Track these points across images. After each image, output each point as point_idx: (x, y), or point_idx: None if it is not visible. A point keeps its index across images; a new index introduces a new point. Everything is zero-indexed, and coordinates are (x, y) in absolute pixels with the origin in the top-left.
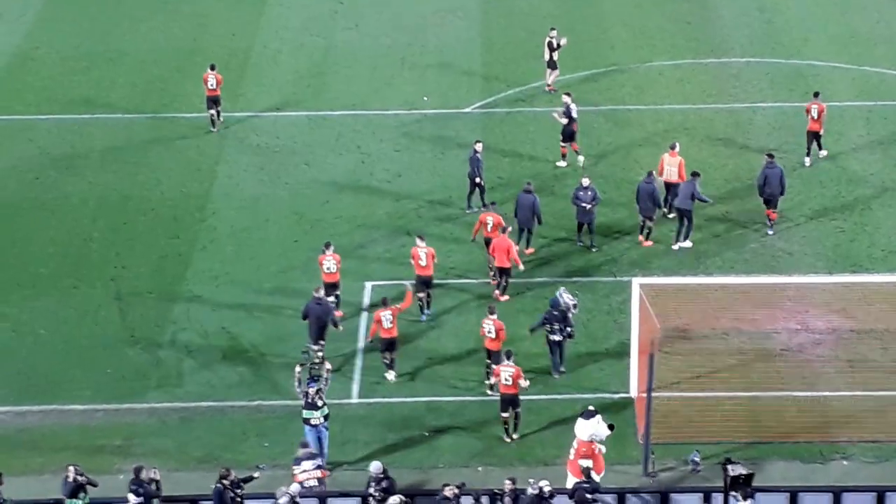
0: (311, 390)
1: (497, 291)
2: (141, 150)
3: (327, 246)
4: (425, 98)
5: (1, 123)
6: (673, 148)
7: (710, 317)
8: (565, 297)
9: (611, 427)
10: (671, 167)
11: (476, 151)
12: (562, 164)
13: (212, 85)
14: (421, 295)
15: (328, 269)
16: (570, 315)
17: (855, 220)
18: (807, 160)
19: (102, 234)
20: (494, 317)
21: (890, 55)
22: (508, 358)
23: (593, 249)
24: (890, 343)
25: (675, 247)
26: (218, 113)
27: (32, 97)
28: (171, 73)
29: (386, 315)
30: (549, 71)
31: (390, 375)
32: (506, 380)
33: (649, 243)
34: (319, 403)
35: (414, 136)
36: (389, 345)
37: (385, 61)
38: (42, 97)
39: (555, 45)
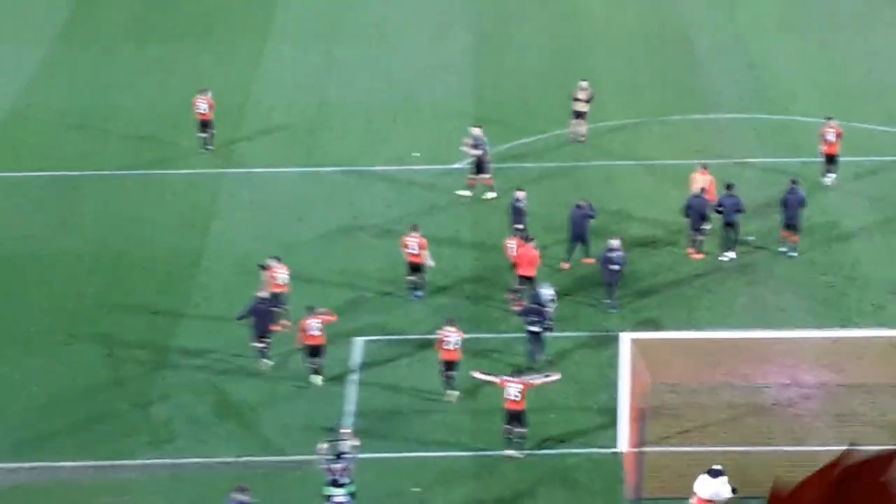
0: (337, 466)
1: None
2: (135, 206)
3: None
4: (416, 154)
5: None
6: (704, 168)
7: (701, 371)
8: (544, 291)
9: (734, 490)
10: (702, 185)
11: (518, 200)
12: (466, 193)
13: (202, 109)
14: (412, 278)
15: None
16: (547, 308)
17: (845, 274)
18: (825, 180)
19: (96, 291)
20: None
21: (878, 111)
22: (518, 375)
23: (612, 311)
24: (879, 397)
25: (724, 258)
26: (211, 136)
27: (27, 154)
28: (166, 130)
29: (314, 323)
30: (577, 122)
31: (317, 380)
32: (513, 395)
33: (700, 256)
34: (344, 481)
35: (405, 191)
36: (315, 351)
37: (378, 117)
38: (37, 154)
39: (582, 97)
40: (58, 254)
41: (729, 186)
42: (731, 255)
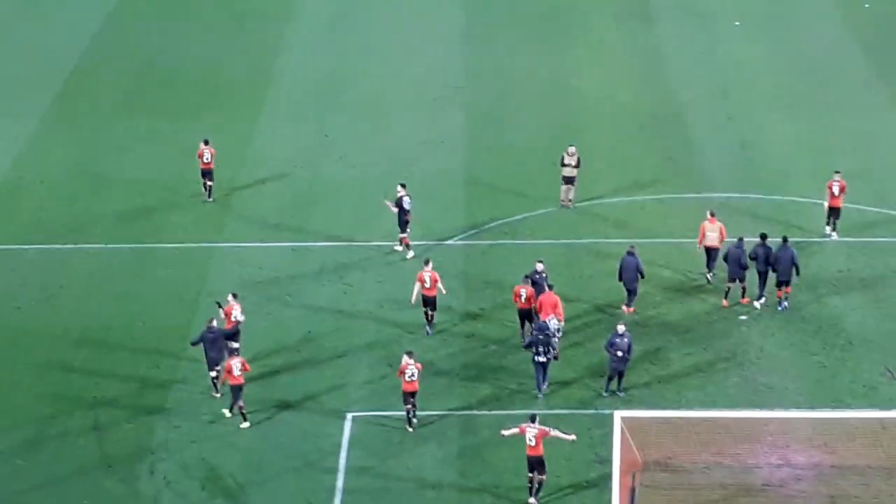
0: None
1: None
2: (124, 280)
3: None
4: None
5: None
6: (713, 215)
7: (692, 451)
8: (551, 323)
9: None
10: (712, 233)
11: (537, 272)
12: (398, 248)
13: (206, 159)
14: (426, 310)
15: None
16: (553, 339)
17: (836, 355)
18: (827, 229)
19: (83, 364)
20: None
21: (869, 192)
22: (533, 421)
23: (621, 394)
24: (871, 479)
25: (757, 304)
26: (210, 187)
27: (16, 226)
28: (157, 204)
29: (236, 364)
30: (566, 187)
31: (227, 413)
32: (530, 440)
33: (746, 300)
34: None
35: (397, 266)
36: (238, 390)
37: (370, 193)
38: (26, 226)
39: (571, 163)
40: (45, 327)
41: (763, 237)
42: (762, 302)
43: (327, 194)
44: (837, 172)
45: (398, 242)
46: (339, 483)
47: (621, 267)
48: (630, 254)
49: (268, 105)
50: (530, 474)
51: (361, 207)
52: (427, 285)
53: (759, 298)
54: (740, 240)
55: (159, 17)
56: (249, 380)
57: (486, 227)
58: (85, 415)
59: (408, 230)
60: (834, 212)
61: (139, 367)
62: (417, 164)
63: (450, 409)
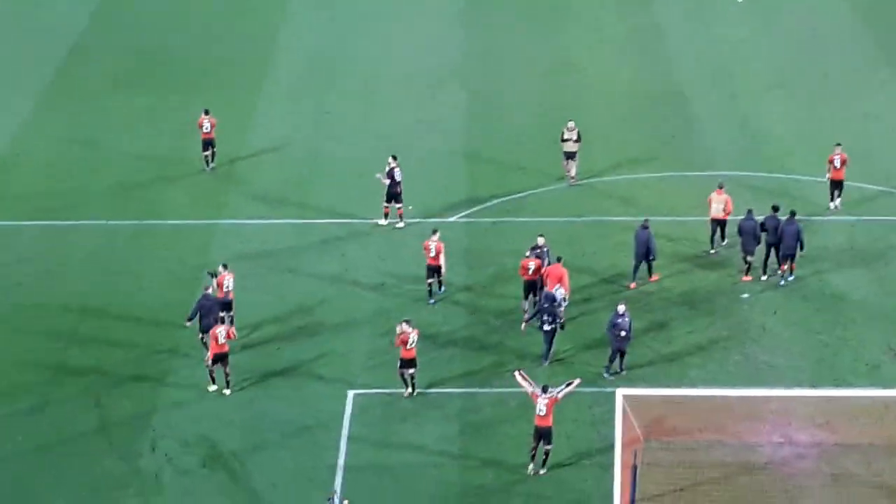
0: None
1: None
2: (122, 257)
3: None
4: (409, 208)
5: None
6: (720, 187)
7: (694, 429)
8: (557, 292)
9: None
10: (718, 204)
11: (539, 246)
12: (382, 222)
13: (206, 128)
14: (430, 281)
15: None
16: (559, 309)
17: (838, 334)
18: (831, 204)
19: (82, 341)
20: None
21: (871, 171)
22: (545, 391)
23: (623, 373)
24: (874, 458)
25: (763, 278)
26: (213, 154)
27: (14, 203)
28: (154, 181)
29: (221, 332)
30: (567, 163)
31: (213, 387)
32: (540, 410)
33: (748, 278)
34: None
35: (398, 244)
36: (220, 358)
37: (369, 171)
38: (24, 203)
39: (571, 137)
40: (44, 304)
41: (775, 208)
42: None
43: (326, 171)
44: (838, 145)
45: (383, 216)
46: (341, 460)
47: (636, 241)
48: (644, 227)
49: (266, 83)
50: (535, 444)
51: (360, 184)
52: (432, 254)
53: (764, 273)
54: (750, 212)
55: None
56: (251, 353)
57: (488, 204)
58: (85, 392)
59: (401, 202)
60: (836, 185)
61: (139, 344)
62: (417, 142)
63: (451, 385)
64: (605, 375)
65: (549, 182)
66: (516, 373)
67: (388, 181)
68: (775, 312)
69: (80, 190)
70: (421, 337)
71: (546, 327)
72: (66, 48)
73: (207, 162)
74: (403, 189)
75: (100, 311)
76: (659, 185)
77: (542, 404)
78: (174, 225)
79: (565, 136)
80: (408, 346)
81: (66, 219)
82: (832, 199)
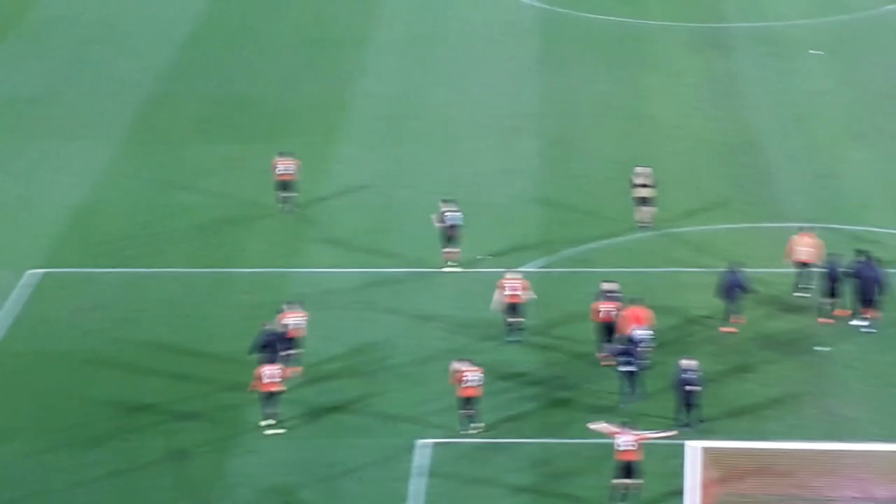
0: None
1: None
2: (198, 304)
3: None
4: (489, 257)
5: (60, 276)
6: (804, 231)
7: (770, 483)
8: (640, 332)
9: None
10: (802, 248)
11: (608, 291)
12: (447, 269)
13: (279, 171)
14: (510, 320)
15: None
16: (640, 348)
17: None
18: None
19: (157, 389)
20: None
21: None
22: (627, 427)
23: (702, 423)
24: None
25: (863, 329)
26: (290, 196)
27: (92, 250)
28: (231, 228)
29: (265, 371)
30: (645, 209)
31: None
32: (631, 445)
33: (825, 321)
34: None
35: (471, 294)
36: (268, 396)
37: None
38: (103, 251)
39: (642, 183)
40: (118, 351)
41: (859, 252)
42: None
43: (400, 221)
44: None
45: (445, 263)
46: None
47: (722, 286)
48: (732, 272)
49: (344, 130)
50: (619, 480)
51: (434, 235)
52: (507, 292)
53: (853, 315)
54: (832, 256)
55: (234, 44)
56: (323, 399)
57: (562, 254)
58: (160, 441)
59: (455, 246)
60: None
61: (214, 391)
62: (491, 191)
63: (525, 434)
64: (679, 429)
65: (621, 232)
66: (590, 425)
67: (439, 224)
68: (853, 365)
69: (157, 237)
70: (494, 377)
71: (628, 368)
72: (143, 96)
73: (283, 202)
74: (477, 237)
75: (174, 357)
76: (731, 236)
77: (624, 440)
78: (250, 273)
79: (637, 182)
80: (462, 385)
81: (143, 266)
82: None
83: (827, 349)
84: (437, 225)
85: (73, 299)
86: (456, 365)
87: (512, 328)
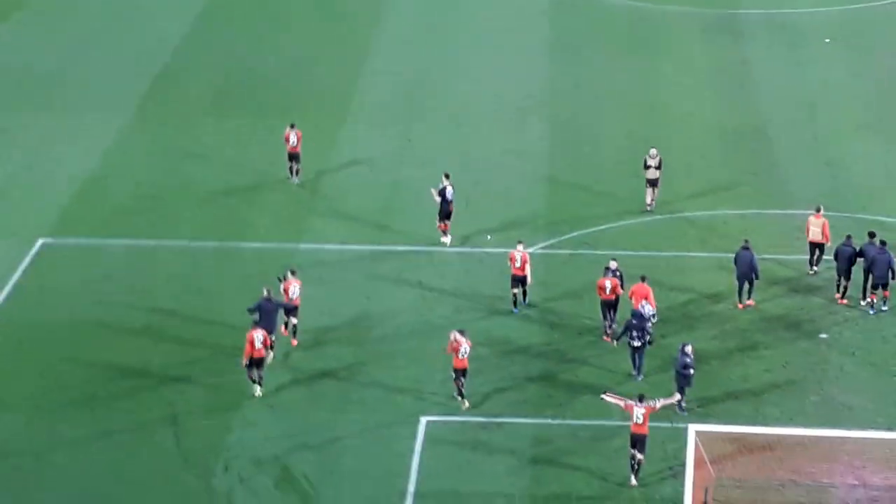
0: None
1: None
2: (205, 277)
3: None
4: (488, 237)
5: (69, 245)
6: (818, 211)
7: (767, 468)
8: (645, 309)
9: None
10: (816, 228)
11: (612, 269)
12: (444, 239)
13: (293, 142)
14: (515, 291)
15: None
16: (648, 324)
17: None
18: None
19: (162, 359)
20: (643, 403)
21: None
22: (641, 400)
23: (682, 413)
24: None
25: (862, 303)
26: (298, 169)
27: (101, 221)
28: (240, 203)
29: (258, 336)
30: (650, 190)
31: (257, 391)
32: (637, 418)
33: (845, 301)
34: None
35: (475, 273)
36: (258, 363)
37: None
38: (111, 222)
39: (652, 164)
40: (126, 321)
41: (872, 234)
42: (868, 301)
43: (407, 200)
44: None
45: (443, 234)
46: (411, 488)
47: (736, 261)
48: (745, 248)
49: (353, 109)
50: (633, 450)
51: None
52: (517, 264)
53: (863, 298)
54: (848, 237)
55: (248, 19)
56: (326, 377)
57: (568, 235)
58: (162, 409)
59: (449, 218)
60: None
61: (218, 365)
62: (499, 172)
63: (525, 413)
64: (678, 411)
65: (628, 216)
66: (604, 395)
67: (439, 199)
68: (854, 353)
69: (165, 210)
70: (499, 351)
71: (636, 343)
72: (156, 70)
73: (292, 172)
74: (484, 217)
75: (181, 330)
76: (739, 223)
77: (638, 413)
78: (257, 247)
79: (648, 163)
80: (460, 356)
81: (151, 237)
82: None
83: (825, 336)
84: (436, 198)
85: (82, 269)
86: (455, 335)
87: (517, 300)
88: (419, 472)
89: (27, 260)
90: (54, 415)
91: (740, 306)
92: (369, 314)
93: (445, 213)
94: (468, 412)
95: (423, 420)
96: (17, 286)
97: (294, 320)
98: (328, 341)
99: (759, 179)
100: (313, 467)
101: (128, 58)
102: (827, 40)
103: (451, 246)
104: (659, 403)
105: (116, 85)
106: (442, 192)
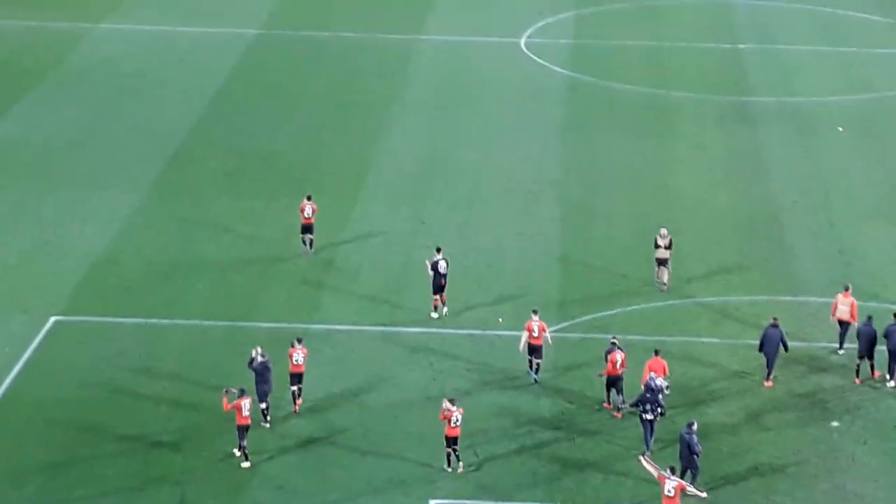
0: None
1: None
2: (216, 357)
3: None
4: (499, 320)
5: (82, 324)
6: (846, 290)
7: None
8: (657, 381)
9: None
10: (844, 307)
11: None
12: (433, 315)
13: (308, 214)
14: (532, 359)
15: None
16: (660, 396)
17: None
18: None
19: (171, 438)
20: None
21: None
22: (673, 473)
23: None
24: None
25: (891, 384)
26: (311, 241)
27: (114, 299)
28: (252, 283)
29: (245, 404)
30: (659, 269)
31: (244, 464)
32: (669, 491)
33: (859, 381)
34: None
35: (486, 356)
36: (246, 429)
37: (461, 282)
38: (124, 300)
39: (663, 244)
40: (136, 399)
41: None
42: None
43: (419, 280)
44: None
45: (433, 310)
46: None
47: (764, 339)
48: (773, 326)
49: (367, 188)
50: None
51: (452, 296)
52: (535, 334)
53: (892, 377)
54: (869, 318)
55: (264, 100)
56: (334, 460)
57: (579, 320)
58: (171, 490)
59: (443, 294)
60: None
61: (226, 445)
62: (511, 255)
63: (533, 498)
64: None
65: (639, 300)
66: (640, 457)
67: (432, 272)
68: (865, 442)
69: (177, 289)
70: (508, 428)
71: (648, 416)
72: (170, 150)
73: (305, 243)
74: (496, 300)
75: (190, 408)
76: (751, 309)
77: (670, 486)
78: (269, 327)
79: (658, 243)
80: (451, 424)
81: (162, 317)
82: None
83: (837, 424)
84: (430, 272)
85: (93, 348)
86: (446, 403)
87: (532, 368)
88: None
89: (39, 337)
90: (62, 493)
91: (768, 384)
92: (378, 397)
93: (438, 287)
94: (478, 496)
95: (432, 503)
96: (28, 363)
97: (299, 386)
98: (336, 423)
99: (771, 267)
100: None
101: (145, 135)
102: (840, 129)
103: (453, 324)
104: (692, 489)
105: (133, 162)
106: (434, 266)
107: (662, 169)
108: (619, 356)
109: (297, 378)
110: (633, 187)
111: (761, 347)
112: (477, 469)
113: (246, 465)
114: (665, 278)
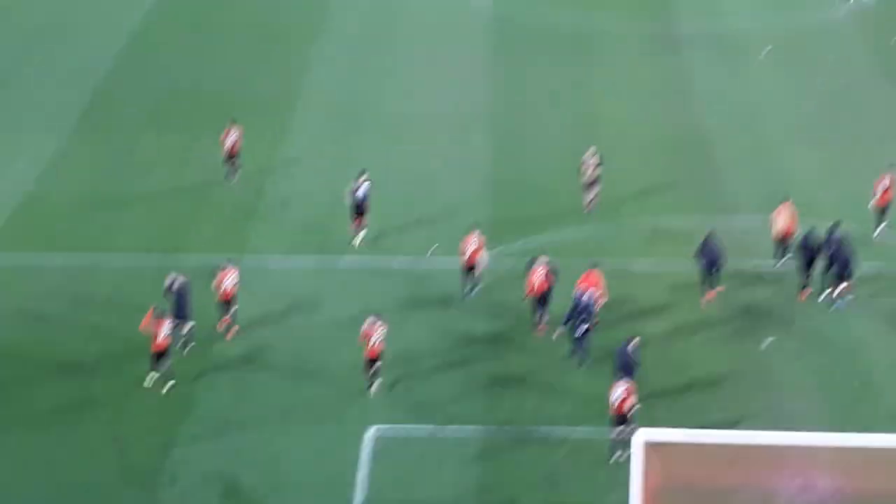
0: None
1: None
2: (148, 292)
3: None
4: (435, 246)
5: (8, 263)
6: (787, 200)
7: (714, 473)
8: (585, 297)
9: None
10: (782, 218)
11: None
12: (356, 240)
13: (231, 141)
14: (467, 279)
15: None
16: (590, 310)
17: (863, 380)
18: (876, 234)
19: (105, 376)
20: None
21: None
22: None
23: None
24: None
25: (834, 307)
26: (236, 168)
27: (41, 238)
28: (182, 217)
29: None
30: (588, 190)
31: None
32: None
33: (805, 293)
34: None
35: (420, 284)
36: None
37: (393, 211)
38: (51, 238)
39: (591, 165)
40: (67, 338)
41: (836, 225)
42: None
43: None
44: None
45: (354, 233)
46: (358, 498)
47: (701, 251)
48: (710, 237)
49: (295, 122)
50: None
51: (384, 226)
52: (468, 253)
53: (823, 292)
54: (811, 229)
55: (185, 36)
56: (269, 391)
57: (512, 245)
58: (105, 425)
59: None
60: (882, 211)
61: (160, 379)
62: (441, 185)
63: (471, 422)
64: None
65: (571, 227)
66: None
67: (350, 199)
68: (799, 357)
69: (105, 226)
70: (447, 349)
71: (578, 332)
72: (92, 88)
73: (228, 175)
74: (428, 229)
75: (123, 345)
76: (684, 227)
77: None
78: (199, 260)
79: (586, 164)
80: (370, 344)
81: (91, 252)
82: (876, 229)
83: (770, 339)
84: (348, 199)
85: (20, 287)
86: (369, 319)
87: (470, 288)
88: (366, 483)
89: None
90: None
91: (709, 296)
92: (313, 326)
93: (356, 210)
94: (416, 420)
95: (370, 429)
96: None
97: (230, 314)
98: (268, 354)
99: (700, 189)
100: (259, 481)
101: (61, 77)
102: (769, 47)
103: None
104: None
105: (50, 105)
106: (355, 190)
107: (590, 95)
108: (538, 274)
109: (227, 304)
110: (562, 115)
111: (699, 259)
112: (412, 391)
113: (165, 388)
114: (587, 199)
